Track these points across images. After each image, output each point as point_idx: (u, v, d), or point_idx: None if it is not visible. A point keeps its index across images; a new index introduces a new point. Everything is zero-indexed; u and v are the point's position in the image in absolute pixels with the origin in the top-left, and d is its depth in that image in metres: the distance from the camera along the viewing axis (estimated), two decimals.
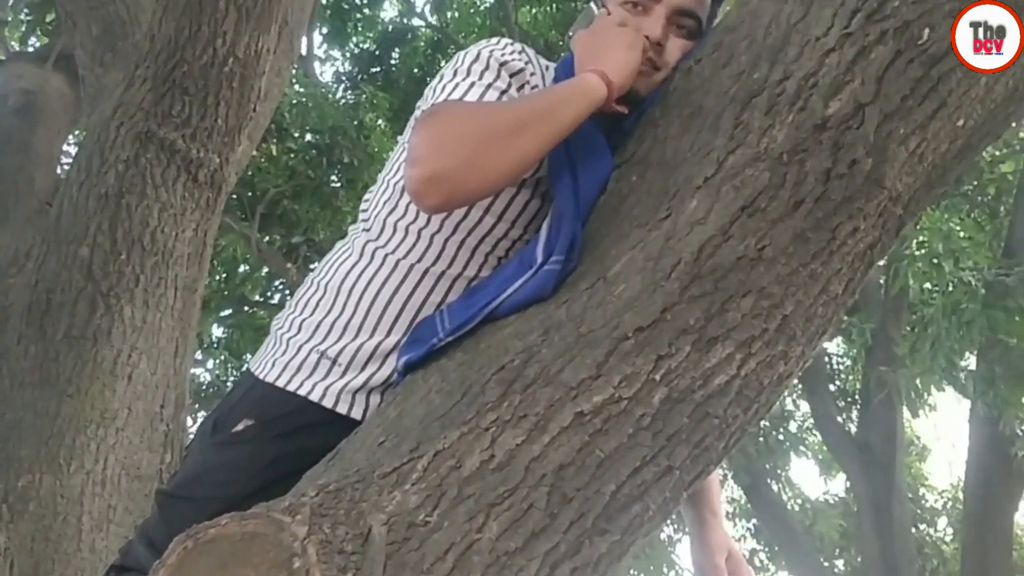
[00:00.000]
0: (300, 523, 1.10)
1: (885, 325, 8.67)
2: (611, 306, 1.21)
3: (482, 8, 12.68)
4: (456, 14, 12.66)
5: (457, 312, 1.30)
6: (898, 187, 1.26)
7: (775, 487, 11.47)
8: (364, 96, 10.18)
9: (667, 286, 1.20)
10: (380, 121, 10.27)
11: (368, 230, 1.43)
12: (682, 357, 1.19)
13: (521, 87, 1.36)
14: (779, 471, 12.09)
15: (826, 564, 11.75)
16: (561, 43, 10.99)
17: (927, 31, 1.21)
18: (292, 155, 9.57)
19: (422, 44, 12.42)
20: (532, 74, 1.39)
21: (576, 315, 1.23)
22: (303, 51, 12.27)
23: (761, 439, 10.14)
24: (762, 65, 1.27)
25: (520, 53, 1.40)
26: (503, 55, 1.37)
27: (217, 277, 10.39)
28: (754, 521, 12.58)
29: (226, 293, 10.59)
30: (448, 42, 12.29)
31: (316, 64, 12.66)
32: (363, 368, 1.35)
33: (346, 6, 12.47)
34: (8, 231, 3.19)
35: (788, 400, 13.29)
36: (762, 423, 10.97)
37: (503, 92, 1.32)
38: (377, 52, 12.44)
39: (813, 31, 1.25)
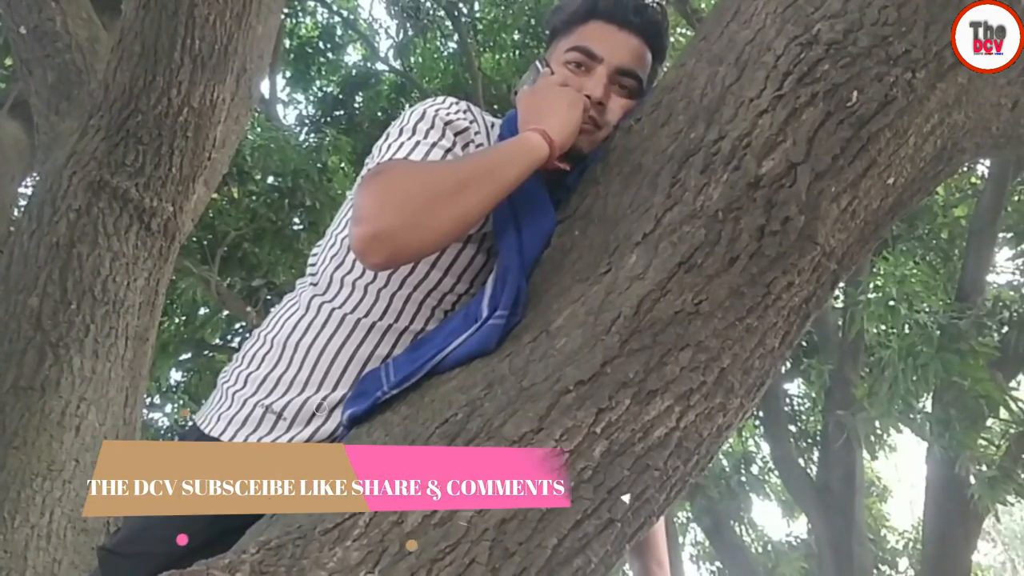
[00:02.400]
0: None
1: (843, 368, 8.76)
2: (553, 360, 1.23)
3: (445, 54, 12.80)
4: (420, 59, 12.76)
5: (402, 365, 1.32)
6: (831, 243, 1.30)
7: (737, 529, 11.48)
8: (327, 139, 10.20)
9: (607, 340, 1.22)
10: (343, 164, 10.29)
11: (315, 284, 1.44)
12: (622, 410, 1.21)
13: (466, 145, 1.38)
14: (741, 513, 12.11)
15: None
16: None
17: (856, 93, 1.25)
18: (254, 198, 9.53)
19: (386, 88, 12.49)
20: (476, 132, 1.41)
21: (519, 369, 1.24)
22: (266, 94, 12.31)
23: (723, 482, 10.16)
24: (698, 125, 1.31)
25: (465, 112, 1.42)
26: (448, 114, 1.39)
27: (176, 320, 10.27)
28: (718, 564, 12.56)
29: (185, 336, 10.47)
30: (412, 87, 12.38)
31: (279, 107, 12.69)
32: (308, 422, 1.36)
33: (310, 50, 12.55)
34: None
35: (750, 442, 13.37)
36: (724, 466, 11.02)
37: (447, 150, 1.35)
38: (340, 96, 12.50)
39: (747, 93, 1.28)
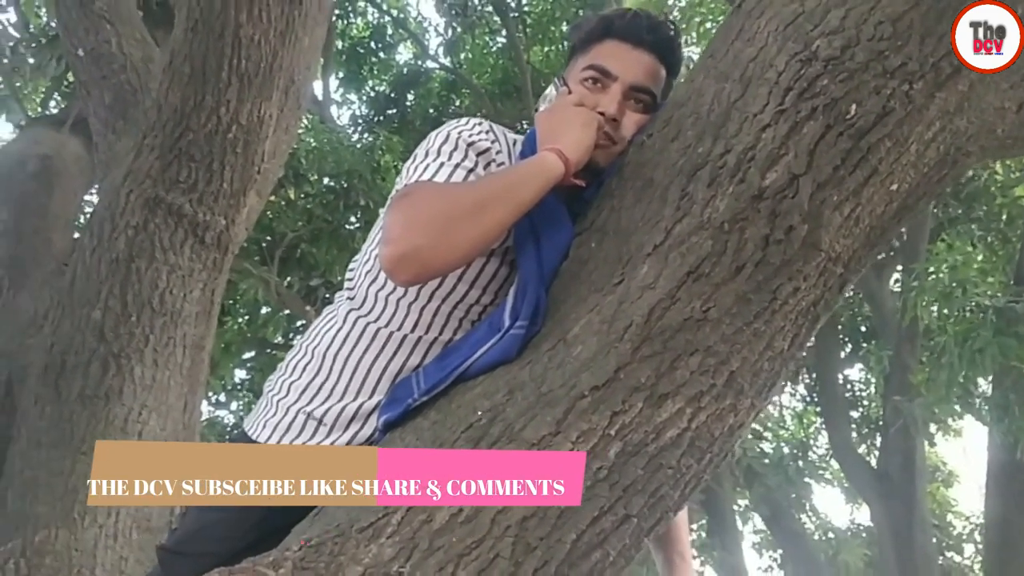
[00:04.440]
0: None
1: (901, 353, 8.68)
2: (569, 367, 1.31)
3: (494, 49, 12.88)
4: (469, 55, 12.85)
5: (431, 374, 1.41)
6: (836, 248, 1.36)
7: (798, 517, 11.43)
8: (379, 139, 10.36)
9: (620, 347, 1.30)
10: (395, 163, 10.43)
11: (352, 298, 1.54)
12: (635, 413, 1.28)
13: (487, 165, 1.47)
14: (803, 501, 12.05)
15: None
16: None
17: (854, 106, 1.31)
18: (310, 199, 9.72)
19: (436, 85, 12.61)
20: (498, 152, 1.50)
21: (538, 375, 1.33)
22: (319, 96, 12.53)
23: (781, 470, 10.13)
24: (706, 140, 1.37)
25: (487, 132, 1.51)
26: (470, 135, 1.48)
27: (239, 320, 10.50)
28: (780, 552, 12.52)
29: (248, 336, 10.71)
30: (461, 83, 12.49)
31: (333, 108, 12.88)
32: (347, 428, 1.46)
33: (361, 50, 12.72)
34: (27, 293, 3.33)
35: (809, 429, 13.29)
36: (783, 454, 10.97)
37: (470, 171, 1.43)
38: (392, 95, 12.63)
39: (751, 108, 1.35)
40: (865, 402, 12.41)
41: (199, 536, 1.45)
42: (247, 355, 11.01)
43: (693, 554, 1.70)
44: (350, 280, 1.58)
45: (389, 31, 13.18)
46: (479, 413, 1.32)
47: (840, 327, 11.40)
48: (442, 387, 1.39)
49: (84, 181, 3.94)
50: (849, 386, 12.17)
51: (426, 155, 1.46)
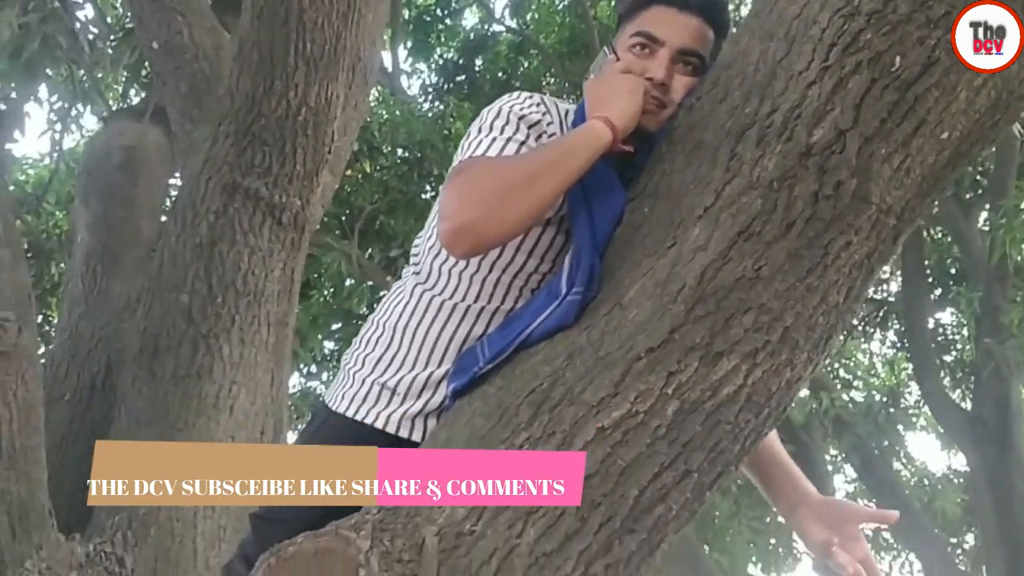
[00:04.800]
0: (364, 538, 1.29)
1: (991, 294, 8.45)
2: (625, 330, 1.36)
3: (560, 7, 12.76)
4: (535, 15, 12.76)
5: (495, 342, 1.47)
6: (888, 200, 1.37)
7: (892, 465, 11.26)
8: (450, 107, 10.41)
9: (674, 309, 1.34)
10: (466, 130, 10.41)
11: (418, 273, 1.61)
12: (691, 372, 1.33)
13: (539, 136, 1.51)
14: (897, 448, 11.85)
15: (954, 540, 11.47)
16: None
17: (899, 59, 1.31)
18: (385, 171, 9.83)
19: (504, 49, 12.56)
20: (550, 123, 1.54)
21: (595, 340, 1.38)
22: (388, 68, 12.63)
23: (870, 418, 9.98)
24: (752, 100, 1.39)
25: (538, 105, 1.55)
26: (521, 109, 1.52)
27: (325, 293, 10.72)
28: (875, 500, 12.37)
29: (334, 308, 10.92)
30: (529, 44, 12.42)
31: (403, 78, 12.96)
32: (419, 396, 1.53)
33: (428, 19, 12.73)
34: (119, 280, 3.50)
35: (901, 376, 13.04)
36: (874, 401, 10.80)
37: (522, 143, 1.48)
38: (461, 61, 12.63)
39: (796, 66, 1.36)
40: (959, 346, 12.11)
41: (282, 506, 1.54)
42: (334, 327, 11.26)
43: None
44: (415, 255, 1.64)
45: None
46: (540, 378, 1.38)
47: (929, 270, 11.14)
48: (505, 355, 1.44)
49: (166, 169, 4.09)
50: (941, 330, 11.88)
51: (479, 131, 1.51)
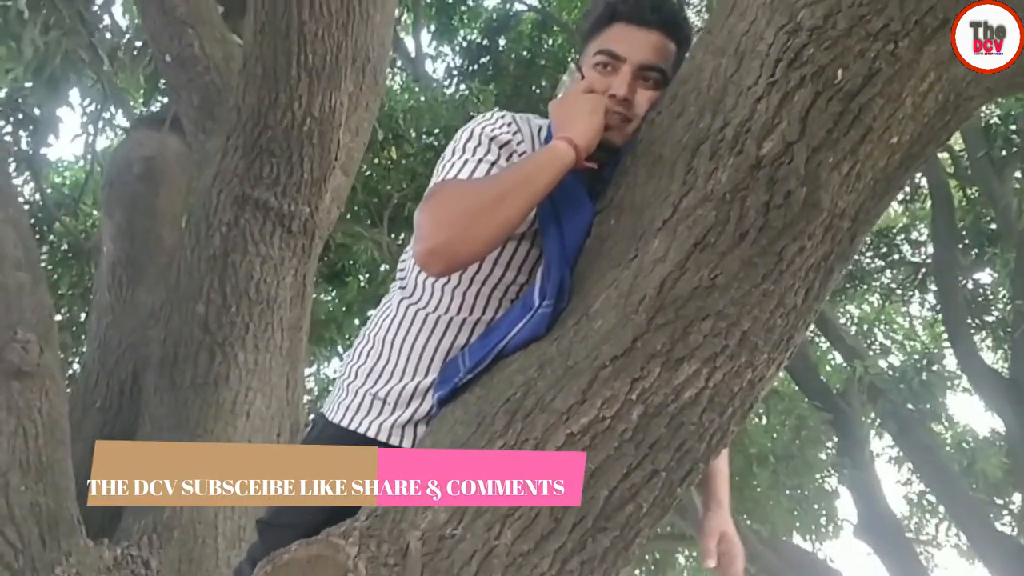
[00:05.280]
0: (352, 544, 1.39)
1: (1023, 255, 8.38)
2: (592, 339, 1.44)
3: None
4: None
5: (475, 352, 1.56)
6: (840, 205, 1.44)
7: (930, 429, 11.21)
8: (471, 92, 10.46)
9: (636, 318, 1.42)
10: (497, 108, 10.40)
11: (404, 288, 1.70)
12: (654, 377, 1.41)
13: (510, 156, 1.59)
14: (939, 412, 11.79)
15: (1000, 502, 11.43)
16: None
17: (841, 71, 1.37)
18: (411, 158, 9.90)
19: (527, 27, 12.55)
20: (520, 142, 1.61)
21: (564, 350, 1.46)
22: (412, 53, 12.70)
23: (903, 385, 9.95)
24: (706, 115, 1.46)
25: (509, 124, 1.63)
26: (492, 130, 1.60)
27: (360, 280, 10.84)
28: (912, 463, 12.31)
29: (369, 294, 11.02)
30: (552, 22, 12.41)
31: (428, 63, 13.01)
32: (407, 405, 1.62)
33: (450, 1, 12.77)
34: (144, 288, 3.64)
35: (943, 338, 12.94)
36: (908, 366, 10.74)
37: (493, 163, 1.55)
38: (485, 42, 12.64)
39: (745, 81, 1.43)
40: (999, 306, 11.99)
41: (290, 509, 1.64)
42: (369, 313, 11.35)
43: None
44: (401, 271, 1.73)
45: None
46: (515, 387, 1.47)
47: (964, 231, 11.04)
48: (484, 364, 1.53)
49: (186, 178, 4.22)
50: (981, 291, 11.77)
51: (452, 153, 1.59)
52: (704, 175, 1.43)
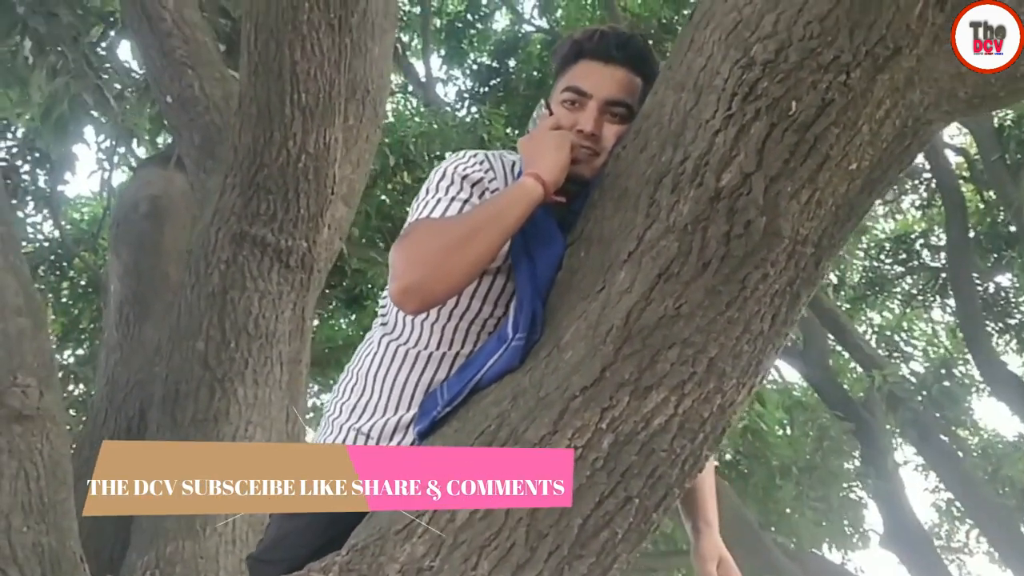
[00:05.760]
0: None
1: None
2: (562, 370, 1.48)
3: (588, 2, 12.80)
4: (565, 11, 12.81)
5: (452, 386, 1.60)
6: (802, 232, 1.47)
7: (955, 435, 11.14)
8: (481, 114, 10.53)
9: (604, 349, 1.45)
10: (507, 129, 10.47)
11: (384, 324, 1.74)
12: (623, 406, 1.44)
13: (482, 194, 1.63)
14: (963, 418, 11.70)
15: None
16: (677, 20, 11.01)
17: (795, 103, 1.41)
18: (422, 183, 9.91)
19: (537, 48, 12.63)
20: (492, 180, 1.66)
21: (536, 381, 1.50)
22: (422, 78, 12.83)
23: (923, 392, 9.91)
24: (667, 148, 1.50)
25: (481, 163, 1.67)
26: (465, 169, 1.65)
27: (377, 304, 10.86)
28: (935, 472, 12.21)
29: None
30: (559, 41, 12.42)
31: (439, 87, 13.12)
32: (390, 439, 1.66)
33: (459, 25, 12.89)
34: (151, 324, 3.72)
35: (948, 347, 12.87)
36: (927, 373, 10.69)
37: (466, 201, 1.60)
38: (495, 64, 12.73)
39: (704, 115, 1.47)
40: (1022, 310, 11.90)
41: (277, 545, 1.68)
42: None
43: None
44: (383, 309, 1.77)
45: (483, 1, 13.28)
46: (489, 419, 1.50)
47: (981, 236, 11.00)
48: (461, 397, 1.57)
49: (192, 213, 4.30)
50: (1003, 294, 11.70)
51: (426, 192, 1.64)
52: (667, 207, 1.47)
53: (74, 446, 3.29)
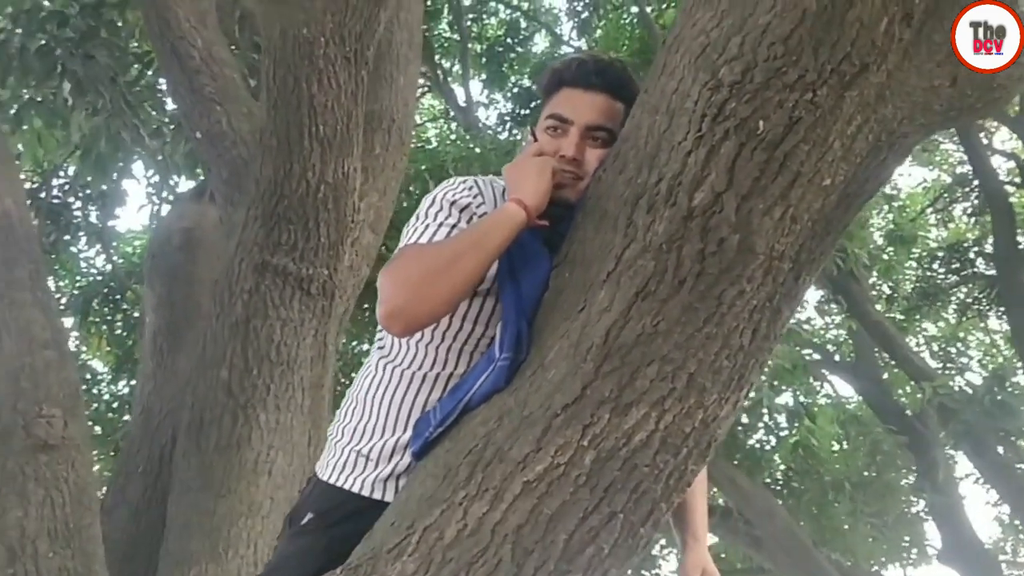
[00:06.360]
0: None
1: None
2: (545, 389, 1.51)
3: (626, 21, 12.84)
4: (602, 32, 12.87)
5: (444, 407, 1.64)
6: (778, 248, 1.50)
7: (1014, 447, 10.87)
8: (518, 137, 10.61)
9: (584, 367, 1.49)
10: None
11: (382, 347, 1.79)
12: (604, 423, 1.47)
13: (470, 219, 1.68)
14: (1022, 428, 11.43)
15: None
16: None
17: (762, 122, 1.45)
18: None
19: None
20: (480, 204, 1.70)
21: (521, 400, 1.54)
22: (462, 103, 12.97)
23: (976, 405, 9.69)
24: (644, 170, 1.54)
25: (470, 188, 1.72)
26: (454, 195, 1.70)
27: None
28: (989, 485, 11.93)
29: None
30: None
31: (481, 111, 13.24)
32: (389, 460, 1.71)
33: (500, 49, 13.01)
34: (184, 355, 3.82)
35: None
36: (979, 384, 10.46)
37: (453, 227, 1.65)
38: (535, 87, 12.77)
39: (676, 137, 1.50)
40: None
41: (282, 566, 1.74)
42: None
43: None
44: (380, 332, 1.83)
45: (523, 24, 13.39)
46: (477, 439, 1.54)
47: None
48: (452, 418, 1.62)
49: (224, 245, 4.42)
50: None
51: (416, 219, 1.69)
52: (643, 227, 1.51)
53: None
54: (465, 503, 1.49)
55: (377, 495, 1.70)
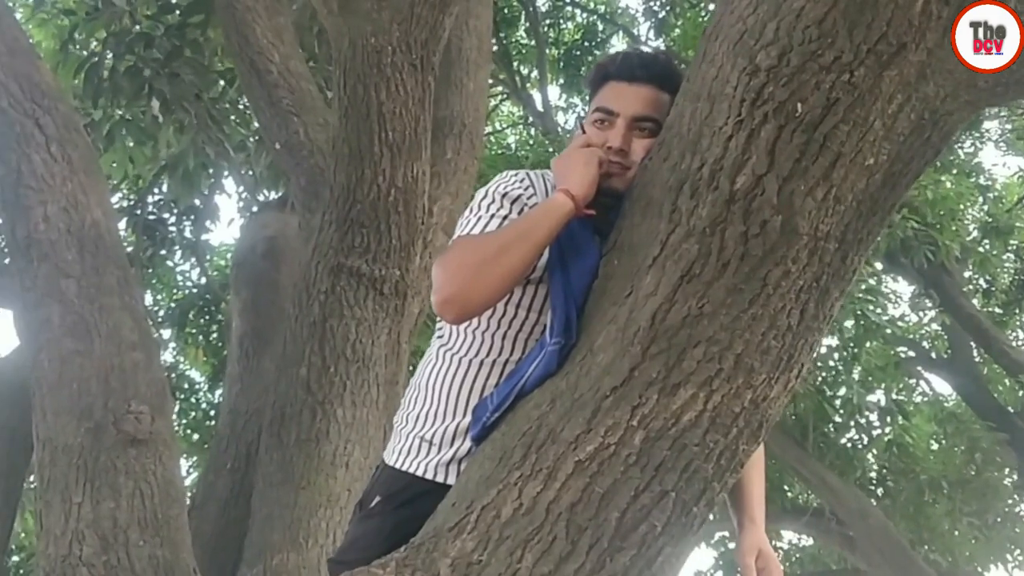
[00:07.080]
0: (389, 572, 1.55)
1: None
2: (595, 372, 1.56)
3: (703, 19, 12.73)
4: (678, 31, 12.79)
5: (500, 392, 1.70)
6: (822, 228, 1.52)
7: None
8: None
9: (632, 350, 1.53)
10: None
11: (441, 336, 1.86)
12: (652, 404, 1.51)
13: (521, 210, 1.74)
14: None
15: None
16: None
17: (800, 105, 1.47)
18: None
19: None
20: (531, 196, 1.76)
21: (572, 383, 1.59)
22: (540, 108, 13.04)
23: None
24: (687, 156, 1.57)
25: (522, 180, 1.78)
26: (506, 187, 1.76)
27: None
28: None
29: None
30: (677, 61, 12.39)
31: (561, 115, 13.28)
32: (451, 444, 1.77)
33: (577, 52, 13.05)
34: (268, 357, 3.97)
35: None
36: None
37: (505, 217, 1.71)
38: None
39: (717, 122, 1.54)
40: None
41: (353, 546, 1.82)
42: None
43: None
44: (440, 321, 1.90)
45: (600, 27, 13.40)
46: (530, 422, 1.60)
47: None
48: (508, 403, 1.67)
49: (305, 250, 4.57)
50: None
51: (469, 211, 1.76)
52: (687, 212, 1.54)
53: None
54: (520, 483, 1.55)
55: (440, 478, 1.77)
